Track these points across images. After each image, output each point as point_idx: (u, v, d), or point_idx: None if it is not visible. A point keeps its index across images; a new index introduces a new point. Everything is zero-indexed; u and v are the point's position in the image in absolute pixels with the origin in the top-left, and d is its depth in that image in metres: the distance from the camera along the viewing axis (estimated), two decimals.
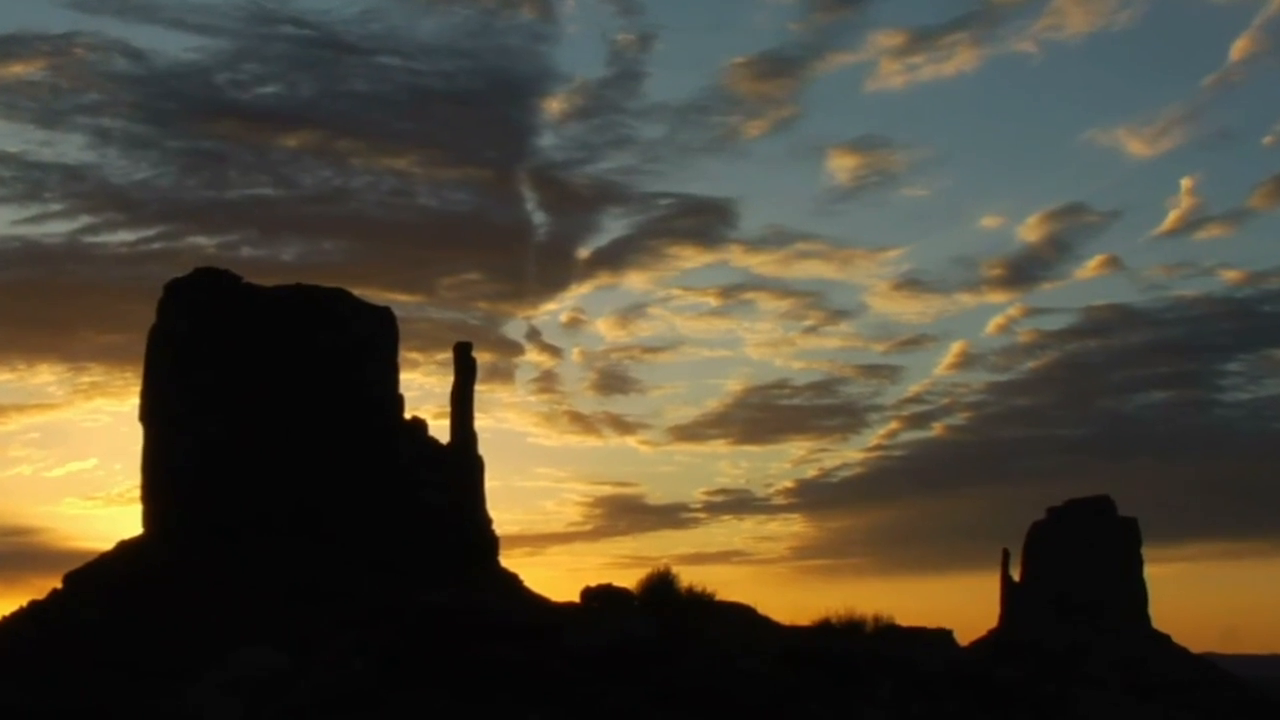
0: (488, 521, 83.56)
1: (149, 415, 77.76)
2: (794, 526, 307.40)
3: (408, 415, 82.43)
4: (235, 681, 34.16)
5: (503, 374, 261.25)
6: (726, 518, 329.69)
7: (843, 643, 41.33)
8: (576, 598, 52.45)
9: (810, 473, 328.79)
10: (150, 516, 75.94)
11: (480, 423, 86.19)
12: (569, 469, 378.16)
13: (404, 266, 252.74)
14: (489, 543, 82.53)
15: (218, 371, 76.17)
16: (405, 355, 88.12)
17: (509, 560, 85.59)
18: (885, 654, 40.22)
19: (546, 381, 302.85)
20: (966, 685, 39.97)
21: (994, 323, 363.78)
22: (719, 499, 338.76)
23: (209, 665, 36.57)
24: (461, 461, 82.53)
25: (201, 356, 76.39)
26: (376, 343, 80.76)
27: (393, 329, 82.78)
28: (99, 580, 70.56)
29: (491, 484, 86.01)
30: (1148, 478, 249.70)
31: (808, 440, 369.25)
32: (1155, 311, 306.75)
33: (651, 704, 30.73)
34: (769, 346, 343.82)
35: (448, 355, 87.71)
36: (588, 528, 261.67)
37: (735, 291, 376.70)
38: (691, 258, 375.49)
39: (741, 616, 49.32)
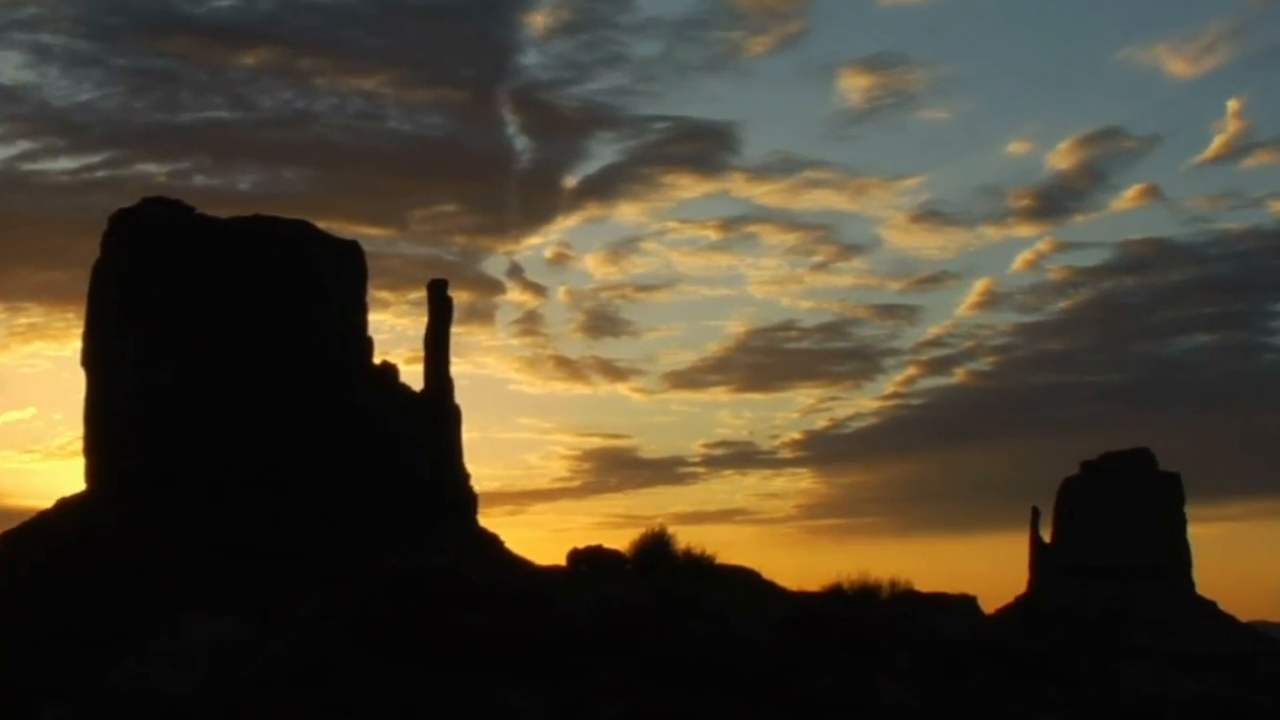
0: (465, 477, 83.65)
1: (92, 360, 77.66)
2: (802, 482, 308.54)
3: (377, 360, 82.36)
4: (188, 651, 34.23)
5: (482, 315, 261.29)
6: (728, 473, 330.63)
7: (856, 610, 41.40)
8: (563, 561, 52.60)
9: (820, 423, 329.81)
10: (94, 471, 75.93)
11: (457, 368, 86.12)
12: (554, 419, 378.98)
13: (373, 197, 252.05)
14: (466, 500, 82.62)
15: (168, 312, 75.96)
16: (374, 294, 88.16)
17: (488, 520, 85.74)
18: (902, 622, 40.32)
19: (530, 323, 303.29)
20: (992, 656, 40.08)
21: (1021, 258, 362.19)
22: (719, 452, 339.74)
23: (159, 634, 36.62)
24: (436, 411, 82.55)
25: (150, 295, 76.16)
26: (342, 280, 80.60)
27: (360, 265, 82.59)
28: (37, 541, 70.63)
29: (469, 435, 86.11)
30: (1191, 428, 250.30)
31: (817, 388, 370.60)
32: (1198, 246, 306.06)
33: (646, 677, 30.79)
34: (774, 284, 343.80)
35: (421, 294, 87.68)
36: (575, 484, 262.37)
37: (737, 224, 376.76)
38: (689, 187, 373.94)
39: (744, 581, 49.43)
